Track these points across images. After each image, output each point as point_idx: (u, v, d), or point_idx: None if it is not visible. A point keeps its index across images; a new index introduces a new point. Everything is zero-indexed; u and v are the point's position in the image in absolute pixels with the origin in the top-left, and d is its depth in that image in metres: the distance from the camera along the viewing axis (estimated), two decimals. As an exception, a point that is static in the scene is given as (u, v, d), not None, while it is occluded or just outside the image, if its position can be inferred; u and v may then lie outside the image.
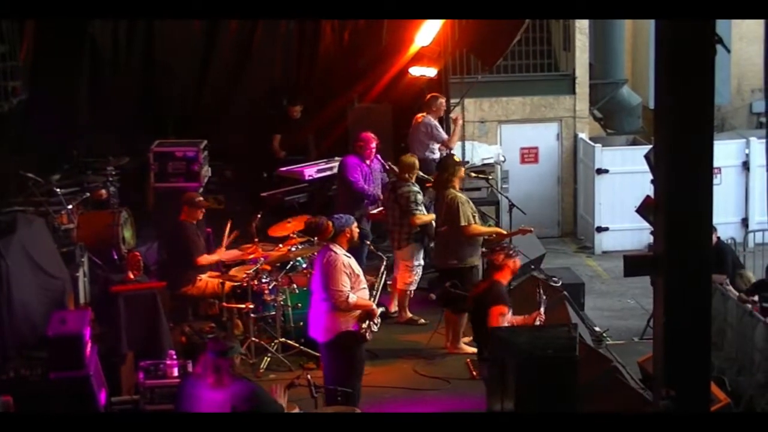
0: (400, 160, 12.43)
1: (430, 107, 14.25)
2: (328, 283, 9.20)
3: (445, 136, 14.21)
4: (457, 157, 12.14)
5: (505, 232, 11.99)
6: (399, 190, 12.03)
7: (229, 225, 11.87)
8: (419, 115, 14.31)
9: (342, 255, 9.32)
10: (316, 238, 10.59)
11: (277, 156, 15.60)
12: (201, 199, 11.70)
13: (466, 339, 11.38)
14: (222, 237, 11.85)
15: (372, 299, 9.57)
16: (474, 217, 11.42)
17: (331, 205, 13.64)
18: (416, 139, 14.16)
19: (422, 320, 12.08)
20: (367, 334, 9.32)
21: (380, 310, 9.58)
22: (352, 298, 9.20)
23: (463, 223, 11.19)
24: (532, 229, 12.04)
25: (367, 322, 9.30)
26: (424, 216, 11.89)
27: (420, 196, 12.00)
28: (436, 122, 14.16)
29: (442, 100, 14.43)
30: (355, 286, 9.29)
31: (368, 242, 12.18)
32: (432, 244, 12.02)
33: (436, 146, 14.23)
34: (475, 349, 11.28)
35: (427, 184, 12.34)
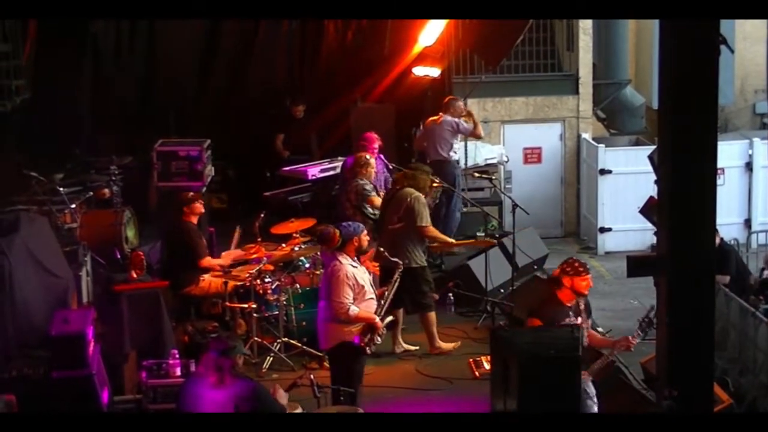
0: (355, 156, 12.43)
1: (449, 109, 14.22)
2: (331, 294, 9.19)
3: (470, 126, 14.19)
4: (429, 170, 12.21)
5: (454, 242, 11.97)
6: (347, 186, 12.03)
7: (237, 233, 11.86)
8: (436, 117, 14.25)
9: (347, 265, 9.28)
10: (323, 247, 10.31)
11: (281, 155, 15.60)
12: (192, 193, 11.66)
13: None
14: (229, 243, 11.86)
15: (380, 309, 9.53)
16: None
17: (335, 204, 13.64)
18: (441, 138, 13.98)
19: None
20: (368, 348, 9.31)
21: (388, 320, 9.53)
22: (354, 311, 9.17)
23: (421, 224, 11.10)
24: (494, 241, 11.99)
25: (369, 335, 9.28)
26: (377, 199, 11.90)
27: (369, 187, 11.95)
28: (457, 119, 14.13)
29: (461, 103, 14.39)
30: (359, 297, 9.26)
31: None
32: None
33: (456, 146, 14.23)
34: (452, 345, 11.27)
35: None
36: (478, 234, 14.02)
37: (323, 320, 9.35)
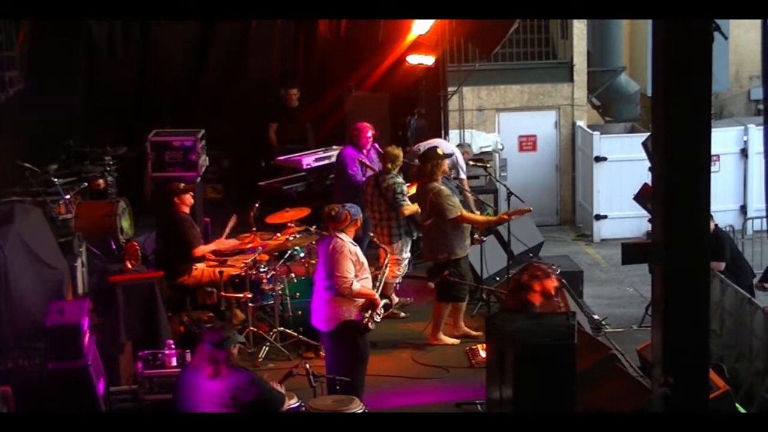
0: (384, 150, 12.39)
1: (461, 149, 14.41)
2: (333, 270, 9.20)
3: (463, 176, 14.03)
4: (441, 150, 12.05)
5: (495, 219, 11.82)
6: (384, 183, 11.97)
7: (232, 220, 11.84)
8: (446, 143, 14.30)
9: (348, 242, 9.34)
10: (328, 227, 10.16)
11: (273, 145, 15.56)
12: (183, 184, 11.66)
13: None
14: (223, 229, 11.84)
15: (375, 290, 9.56)
16: (474, 203, 11.33)
17: (330, 194, 13.62)
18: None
19: (402, 314, 12.01)
20: (370, 324, 9.32)
21: (383, 301, 9.57)
22: (356, 286, 9.20)
23: (451, 216, 11.10)
24: (530, 208, 11.90)
25: (370, 312, 9.31)
26: (411, 206, 11.82)
27: (404, 187, 11.93)
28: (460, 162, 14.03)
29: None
30: (359, 274, 9.30)
31: (371, 233, 12.17)
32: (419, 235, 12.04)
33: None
34: (455, 341, 11.28)
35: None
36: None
37: (324, 300, 9.32)
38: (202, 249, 11.41)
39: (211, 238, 12.33)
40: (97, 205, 13.21)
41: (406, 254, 11.96)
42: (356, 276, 9.25)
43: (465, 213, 11.30)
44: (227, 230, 11.76)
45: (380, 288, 9.73)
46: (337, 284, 9.19)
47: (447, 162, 11.66)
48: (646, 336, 9.78)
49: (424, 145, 14.04)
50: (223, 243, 11.62)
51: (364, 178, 12.78)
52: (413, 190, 12.08)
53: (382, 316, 9.59)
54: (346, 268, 9.19)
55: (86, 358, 8.82)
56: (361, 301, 9.29)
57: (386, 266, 10.29)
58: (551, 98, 18.58)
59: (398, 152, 12.12)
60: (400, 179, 11.97)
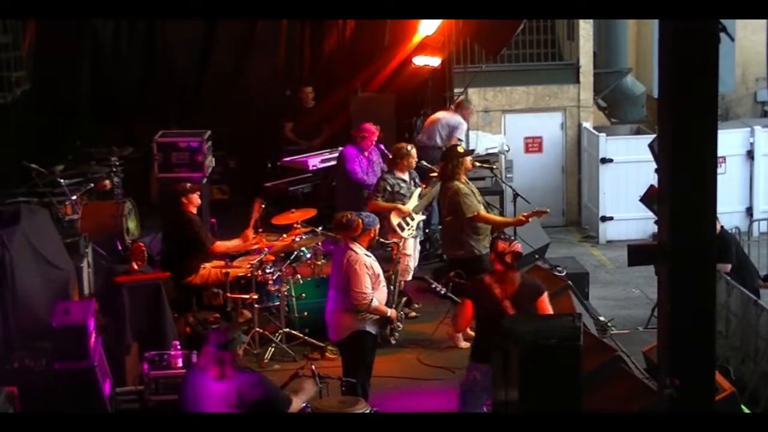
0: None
1: (459, 107, 14.52)
2: (351, 285, 9.07)
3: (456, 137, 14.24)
4: (462, 147, 12.01)
5: (513, 220, 11.78)
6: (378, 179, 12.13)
7: (257, 207, 11.77)
8: (448, 110, 14.36)
9: (363, 255, 9.20)
10: (340, 236, 10.18)
11: (295, 144, 15.54)
12: (189, 184, 11.64)
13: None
14: (231, 230, 11.83)
15: (391, 296, 9.51)
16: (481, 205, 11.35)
17: (334, 195, 13.64)
18: (440, 129, 14.35)
19: (413, 313, 12.00)
20: (392, 339, 9.32)
21: (404, 299, 9.54)
22: (375, 302, 9.11)
23: (467, 215, 11.11)
24: (548, 210, 11.83)
25: (389, 327, 9.30)
26: (381, 203, 11.79)
27: (382, 183, 11.93)
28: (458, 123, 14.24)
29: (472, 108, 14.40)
30: (376, 286, 9.20)
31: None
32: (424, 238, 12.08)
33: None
34: (466, 345, 11.21)
35: (431, 174, 12.28)
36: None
37: (336, 310, 9.25)
38: (225, 244, 11.37)
39: (216, 237, 12.35)
40: (104, 205, 13.23)
41: (410, 251, 11.91)
42: (372, 288, 9.16)
43: (483, 213, 11.30)
44: (253, 217, 11.68)
45: (396, 289, 9.67)
46: (355, 299, 9.07)
47: (469, 159, 11.65)
48: (652, 338, 9.77)
49: (429, 129, 14.15)
50: (247, 239, 11.54)
51: (366, 176, 12.81)
52: (422, 189, 12.10)
53: (403, 321, 9.57)
54: (364, 282, 9.06)
55: (92, 359, 8.83)
56: (375, 315, 9.24)
57: (397, 265, 10.24)
58: (557, 100, 18.58)
59: (397, 149, 12.12)
60: (388, 175, 11.98)
